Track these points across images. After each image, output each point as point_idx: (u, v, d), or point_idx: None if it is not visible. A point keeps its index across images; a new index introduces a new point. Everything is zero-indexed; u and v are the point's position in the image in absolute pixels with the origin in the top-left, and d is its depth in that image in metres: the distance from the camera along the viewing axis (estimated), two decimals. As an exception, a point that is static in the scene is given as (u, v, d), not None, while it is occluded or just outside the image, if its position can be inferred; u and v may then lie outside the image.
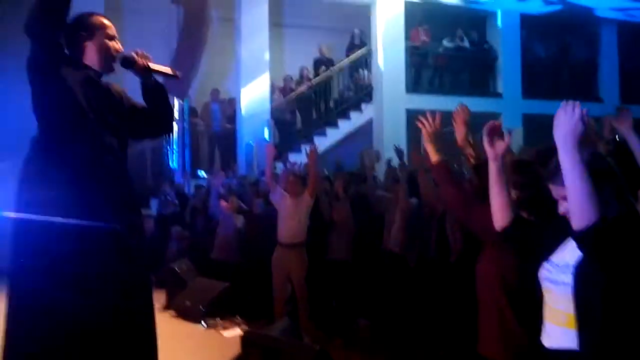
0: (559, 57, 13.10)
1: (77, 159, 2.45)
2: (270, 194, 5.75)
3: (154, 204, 9.61)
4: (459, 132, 3.39)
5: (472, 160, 3.17)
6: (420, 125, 2.96)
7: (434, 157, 2.74)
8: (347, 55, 11.73)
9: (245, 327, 5.49)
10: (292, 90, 11.43)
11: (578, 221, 1.79)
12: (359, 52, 11.71)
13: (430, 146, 2.83)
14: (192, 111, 10.92)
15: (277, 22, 11.64)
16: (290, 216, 5.47)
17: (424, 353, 5.01)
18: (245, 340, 3.70)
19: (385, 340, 5.52)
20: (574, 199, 1.80)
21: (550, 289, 1.98)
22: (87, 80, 2.57)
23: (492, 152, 2.28)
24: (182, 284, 6.42)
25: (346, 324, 5.60)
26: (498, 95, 12.24)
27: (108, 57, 2.68)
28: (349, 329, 5.62)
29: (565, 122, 1.85)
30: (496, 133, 2.31)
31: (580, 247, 1.83)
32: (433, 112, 2.96)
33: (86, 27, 2.65)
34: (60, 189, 2.38)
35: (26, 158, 2.49)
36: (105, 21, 2.75)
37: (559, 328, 1.94)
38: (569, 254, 1.95)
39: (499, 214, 2.22)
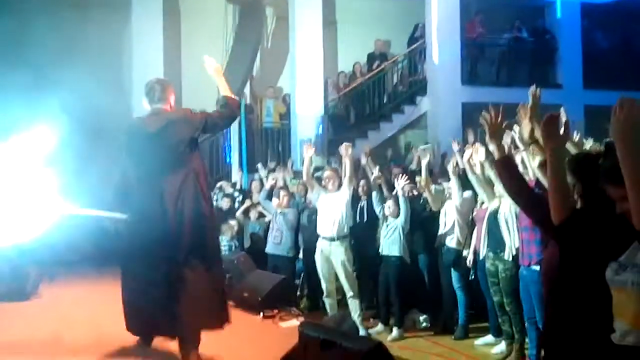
0: (621, 47, 12.62)
1: None
2: (309, 191, 5.86)
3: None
4: (526, 127, 3.34)
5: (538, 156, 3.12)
6: (482, 121, 2.92)
7: (497, 153, 2.69)
8: (408, 48, 11.69)
9: (302, 319, 5.61)
10: (346, 86, 11.47)
11: None
12: (414, 46, 11.64)
13: (492, 142, 2.77)
14: (248, 108, 11.11)
15: (331, 20, 11.70)
16: (329, 210, 5.56)
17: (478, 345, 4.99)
18: (302, 331, 3.78)
19: (440, 333, 5.52)
20: (636, 199, 1.72)
21: (620, 288, 1.93)
22: None
23: (550, 144, 2.23)
24: (241, 275, 6.59)
25: (402, 317, 5.62)
26: (558, 86, 11.90)
27: None
28: (405, 321, 5.65)
29: (624, 118, 1.74)
30: (554, 125, 2.25)
31: None
32: (495, 106, 2.89)
33: None
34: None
35: None
36: None
37: (627, 326, 1.90)
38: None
39: (555, 209, 2.18)
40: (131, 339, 5.14)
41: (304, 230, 6.72)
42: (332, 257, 5.57)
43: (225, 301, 4.54)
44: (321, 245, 5.62)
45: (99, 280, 7.91)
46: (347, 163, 5.59)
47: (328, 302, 5.72)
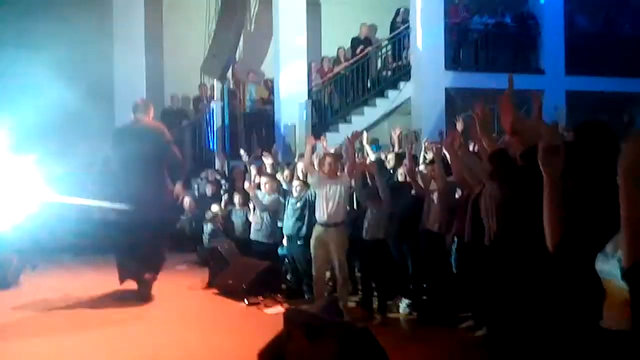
0: (604, 33, 12.67)
1: None
2: (309, 177, 5.84)
3: (196, 184, 9.83)
4: (506, 119, 3.32)
5: (518, 147, 3.11)
6: (475, 116, 2.88)
7: (491, 146, 2.64)
8: (391, 33, 11.63)
9: (286, 305, 5.61)
10: (329, 70, 11.41)
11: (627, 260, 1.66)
12: (397, 31, 11.60)
13: (484, 136, 2.72)
14: (231, 93, 11.02)
15: (315, 1, 11.60)
16: (330, 197, 5.56)
17: (461, 330, 5.03)
18: (287, 317, 3.78)
19: (424, 319, 5.55)
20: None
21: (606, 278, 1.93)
22: None
23: (549, 171, 2.01)
24: (225, 263, 6.57)
25: (386, 303, 5.65)
26: (540, 71, 11.95)
27: None
28: (389, 307, 5.68)
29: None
30: (556, 153, 1.99)
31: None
32: (481, 103, 2.86)
33: None
34: None
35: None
36: None
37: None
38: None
39: (549, 234, 2.05)
40: (112, 324, 5.13)
41: (290, 216, 6.71)
42: (328, 243, 5.56)
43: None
44: (318, 231, 5.61)
45: (80, 269, 7.87)
46: (350, 151, 5.63)
47: (315, 289, 5.73)
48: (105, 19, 10.65)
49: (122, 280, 6.26)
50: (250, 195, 6.91)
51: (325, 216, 5.56)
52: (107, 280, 7.01)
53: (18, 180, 8.33)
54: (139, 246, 6.04)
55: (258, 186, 7.14)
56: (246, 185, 7.12)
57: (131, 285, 6.50)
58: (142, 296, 6.05)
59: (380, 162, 6.55)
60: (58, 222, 9.52)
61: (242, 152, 9.03)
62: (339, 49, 11.68)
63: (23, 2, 10.53)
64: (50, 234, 9.40)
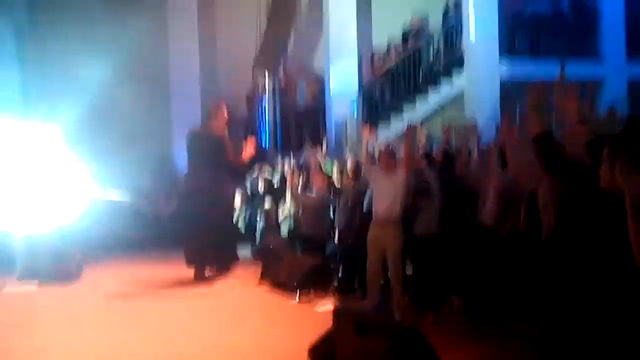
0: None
1: None
2: (365, 172, 5.80)
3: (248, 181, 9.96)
4: (571, 107, 3.18)
5: (584, 136, 2.98)
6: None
7: (537, 127, 2.55)
8: (443, 24, 11.42)
9: (337, 302, 5.61)
10: (380, 65, 11.31)
11: None
12: (449, 21, 11.37)
13: (533, 116, 2.62)
14: (282, 89, 11.09)
15: (365, -5, 11.52)
16: (386, 192, 5.50)
17: (516, 329, 4.91)
18: (337, 314, 3.78)
19: (478, 317, 5.44)
20: None
21: None
22: None
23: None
24: (276, 259, 6.63)
25: (439, 300, 5.56)
26: (599, 58, 11.47)
27: None
28: (442, 305, 5.59)
29: None
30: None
31: None
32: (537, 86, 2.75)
33: None
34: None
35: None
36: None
37: None
38: None
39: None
40: (166, 318, 5.27)
41: (341, 213, 6.71)
42: (383, 239, 5.50)
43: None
44: (373, 227, 5.56)
45: (139, 264, 8.12)
46: (407, 145, 5.55)
47: (368, 286, 5.69)
48: (160, 19, 10.90)
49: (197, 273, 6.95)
50: (298, 191, 6.96)
51: (381, 212, 5.50)
52: (164, 275, 7.25)
53: (79, 177, 8.69)
54: (211, 241, 6.88)
55: (307, 182, 7.18)
56: (294, 180, 7.18)
57: (188, 278, 6.77)
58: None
59: (429, 157, 6.45)
60: (117, 217, 9.92)
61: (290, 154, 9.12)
62: (389, 41, 11.55)
63: (82, 6, 10.91)
64: (111, 229, 9.79)
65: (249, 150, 7.34)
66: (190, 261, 7.01)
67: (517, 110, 9.78)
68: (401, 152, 5.64)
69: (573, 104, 2.89)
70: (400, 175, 5.50)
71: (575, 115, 2.94)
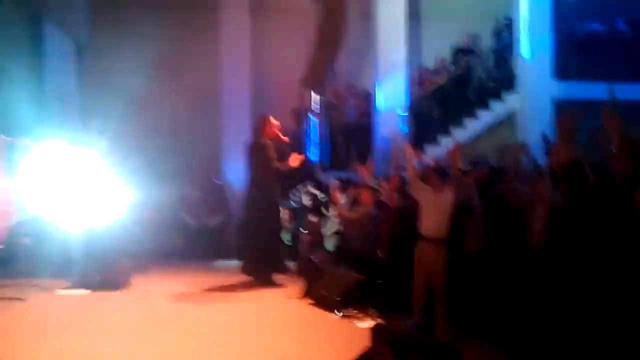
0: None
1: None
2: (412, 189, 5.77)
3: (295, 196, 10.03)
4: (613, 132, 3.11)
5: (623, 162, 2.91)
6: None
7: (566, 155, 2.52)
8: (495, 42, 11.31)
9: (380, 319, 5.55)
10: (430, 81, 11.26)
11: None
12: (501, 40, 11.24)
13: (563, 144, 2.59)
14: (330, 106, 11.15)
15: (415, 12, 11.53)
16: (432, 210, 5.45)
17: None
18: (375, 333, 3.75)
19: (523, 344, 5.28)
20: None
21: None
22: None
23: None
24: (320, 273, 6.64)
25: (486, 325, 5.43)
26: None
27: None
28: (488, 329, 5.46)
29: None
30: None
31: None
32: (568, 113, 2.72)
33: None
34: None
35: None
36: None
37: None
38: None
39: None
40: (209, 328, 5.34)
41: (387, 230, 6.68)
42: (429, 258, 5.45)
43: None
44: (420, 245, 5.52)
45: (188, 273, 8.26)
46: (454, 164, 5.52)
47: (414, 305, 5.62)
48: (212, 35, 11.17)
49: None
50: (344, 207, 6.98)
51: (428, 230, 5.46)
52: (212, 284, 7.37)
53: (129, 189, 8.95)
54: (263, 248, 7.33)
55: (354, 198, 7.19)
56: (340, 196, 7.21)
57: (233, 288, 7.05)
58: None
59: (477, 176, 6.35)
60: (164, 226, 10.15)
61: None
62: (439, 59, 11.50)
63: (138, 22, 11.30)
64: (160, 238, 10.03)
65: (296, 159, 7.64)
66: (245, 270, 7.46)
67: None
68: (449, 170, 5.58)
69: (614, 128, 2.83)
70: (448, 193, 5.44)
71: (617, 140, 2.88)
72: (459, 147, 5.62)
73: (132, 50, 11.08)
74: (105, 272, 7.22)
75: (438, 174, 5.57)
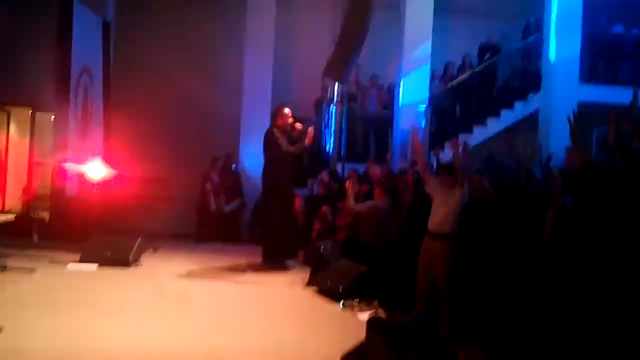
0: None
1: None
2: (425, 184, 5.75)
3: (311, 185, 10.05)
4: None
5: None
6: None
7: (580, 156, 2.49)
8: (523, 42, 11.15)
9: (382, 311, 5.55)
10: (453, 77, 11.15)
11: None
12: (529, 40, 11.08)
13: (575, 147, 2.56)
14: (351, 96, 11.10)
15: (444, 7, 11.40)
16: (440, 207, 5.44)
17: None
18: (370, 324, 3.75)
19: (527, 348, 5.22)
20: None
21: None
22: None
23: None
24: (326, 263, 6.65)
25: (488, 326, 5.38)
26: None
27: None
28: (490, 331, 5.41)
29: None
30: None
31: None
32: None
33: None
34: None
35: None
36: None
37: None
38: None
39: None
40: (212, 311, 5.39)
41: (397, 224, 6.67)
42: (433, 252, 5.44)
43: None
44: (426, 239, 5.51)
45: (199, 255, 8.35)
46: (458, 163, 5.49)
47: (417, 298, 5.61)
48: (239, 22, 11.19)
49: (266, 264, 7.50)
50: (357, 199, 6.98)
51: (435, 225, 5.44)
52: (220, 266, 7.45)
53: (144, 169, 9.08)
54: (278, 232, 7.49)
55: (367, 191, 7.18)
56: (354, 188, 7.20)
57: (244, 272, 7.25)
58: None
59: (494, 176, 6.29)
60: (182, 208, 10.28)
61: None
62: (465, 55, 11.37)
63: (166, 9, 11.41)
64: (176, 219, 10.16)
65: (307, 136, 7.73)
66: (266, 254, 7.59)
67: (594, 135, 9.41)
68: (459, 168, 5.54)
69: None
70: (458, 190, 5.42)
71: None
72: (466, 146, 5.61)
73: (158, 33, 11.19)
74: (116, 249, 7.32)
75: (448, 171, 5.55)
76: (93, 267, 7.07)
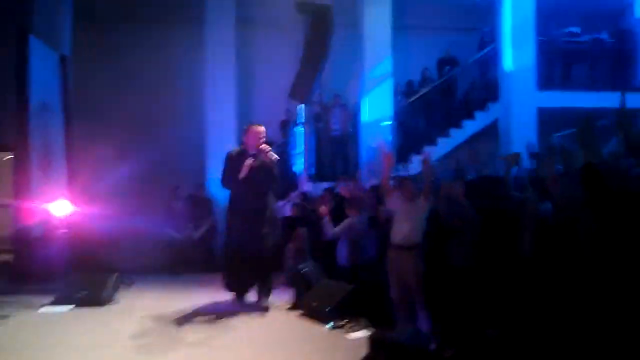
0: None
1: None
2: (386, 198, 5.79)
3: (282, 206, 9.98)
4: None
5: None
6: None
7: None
8: (478, 53, 11.43)
9: (371, 330, 5.52)
10: (415, 92, 11.33)
11: None
12: (485, 50, 11.36)
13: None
14: (316, 116, 11.16)
15: (401, 24, 11.62)
16: (405, 219, 5.50)
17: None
18: (372, 342, 3.71)
19: (515, 351, 5.27)
20: None
21: None
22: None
23: None
24: (309, 285, 6.59)
25: (473, 334, 5.42)
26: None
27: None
28: (477, 338, 5.44)
29: None
30: None
31: None
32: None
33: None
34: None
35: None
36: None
37: None
38: None
39: None
40: (199, 344, 5.25)
41: (371, 239, 6.69)
42: (403, 266, 5.47)
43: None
44: (390, 253, 5.53)
45: (175, 288, 8.15)
46: (426, 175, 5.56)
47: (395, 313, 5.62)
48: (198, 46, 11.14)
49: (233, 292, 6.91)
50: (329, 218, 6.97)
51: (400, 238, 5.49)
52: (199, 299, 7.26)
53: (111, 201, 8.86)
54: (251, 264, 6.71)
55: (337, 210, 7.17)
56: (326, 208, 7.19)
57: (220, 302, 6.87)
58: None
59: (465, 185, 6.37)
60: (149, 241, 10.04)
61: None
62: (424, 69, 11.58)
63: (123, 34, 11.26)
64: (146, 253, 9.91)
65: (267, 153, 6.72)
66: (228, 287, 6.90)
67: (554, 141, 9.66)
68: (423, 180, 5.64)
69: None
70: (421, 203, 5.49)
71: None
72: (429, 158, 5.73)
73: (115, 65, 11.04)
74: (90, 288, 7.09)
75: (409, 183, 5.63)
76: (67, 308, 6.82)
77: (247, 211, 6.70)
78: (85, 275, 7.42)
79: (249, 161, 6.71)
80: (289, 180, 10.98)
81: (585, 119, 2.83)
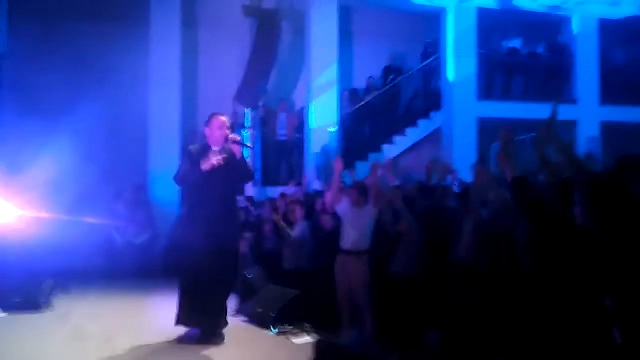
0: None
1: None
2: (335, 205, 5.84)
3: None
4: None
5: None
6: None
7: (510, 173, 2.65)
8: (422, 63, 11.69)
9: (315, 335, 5.55)
10: (360, 99, 11.48)
11: None
12: (428, 60, 11.64)
13: (507, 163, 2.73)
14: (262, 121, 11.14)
15: (348, 31, 11.76)
16: (353, 225, 5.56)
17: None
18: (317, 347, 3.72)
19: (455, 353, 5.41)
20: None
21: None
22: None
23: None
24: (254, 290, 6.56)
25: (415, 337, 5.53)
26: (574, 101, 11.82)
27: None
28: (418, 341, 5.56)
29: None
30: None
31: None
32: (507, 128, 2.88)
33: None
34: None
35: None
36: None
37: None
38: None
39: None
40: (140, 351, 5.15)
41: (319, 246, 6.73)
42: (350, 271, 5.53)
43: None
44: (340, 259, 5.58)
45: (111, 293, 7.94)
46: (373, 182, 5.65)
47: (341, 318, 5.68)
48: (143, 45, 10.93)
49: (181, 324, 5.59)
50: (279, 224, 6.97)
51: (349, 244, 5.55)
52: (138, 305, 7.10)
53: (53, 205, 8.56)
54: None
55: (285, 216, 7.18)
56: (274, 215, 7.19)
57: (162, 310, 6.53)
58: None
59: (406, 192, 6.51)
60: (90, 245, 9.76)
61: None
62: (369, 78, 11.75)
63: (64, 34, 10.94)
64: (83, 258, 9.61)
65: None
66: (184, 323, 5.58)
67: (494, 150, 10.00)
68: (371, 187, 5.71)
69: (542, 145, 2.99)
70: (369, 209, 5.57)
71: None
72: (377, 166, 5.84)
73: (56, 63, 10.69)
74: (25, 293, 6.84)
75: (358, 189, 5.70)
76: (1, 314, 6.55)
77: (211, 220, 5.42)
78: (20, 280, 7.14)
79: (215, 158, 5.45)
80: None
81: (503, 132, 2.95)
